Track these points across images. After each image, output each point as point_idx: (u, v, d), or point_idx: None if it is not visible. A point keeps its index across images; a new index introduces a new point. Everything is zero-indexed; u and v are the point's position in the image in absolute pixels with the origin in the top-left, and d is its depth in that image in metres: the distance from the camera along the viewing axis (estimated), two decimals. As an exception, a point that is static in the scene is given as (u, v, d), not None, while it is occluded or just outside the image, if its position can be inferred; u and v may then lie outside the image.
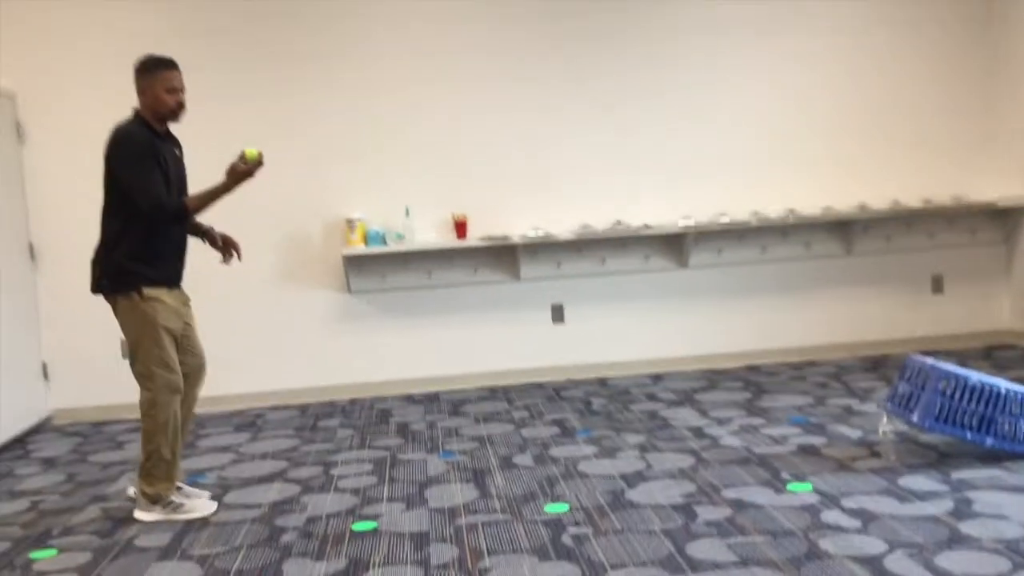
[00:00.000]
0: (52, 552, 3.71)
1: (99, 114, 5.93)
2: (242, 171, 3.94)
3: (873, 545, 3.24)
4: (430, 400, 6.07)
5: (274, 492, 4.30)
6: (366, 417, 5.71)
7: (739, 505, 3.72)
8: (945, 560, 3.08)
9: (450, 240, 6.25)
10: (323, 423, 5.63)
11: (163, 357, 3.95)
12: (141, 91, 3.97)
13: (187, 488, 4.17)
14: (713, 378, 6.17)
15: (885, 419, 4.39)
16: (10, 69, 5.98)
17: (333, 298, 6.30)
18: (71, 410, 6.11)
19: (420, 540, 3.58)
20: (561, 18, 6.33)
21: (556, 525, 3.64)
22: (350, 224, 6.10)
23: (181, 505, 4.02)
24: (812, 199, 6.53)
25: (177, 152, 4.14)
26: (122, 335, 4.03)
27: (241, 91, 6.13)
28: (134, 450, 5.15)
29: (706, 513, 3.66)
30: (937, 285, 6.71)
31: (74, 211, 6.01)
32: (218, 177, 4.00)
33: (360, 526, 3.78)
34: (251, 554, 3.56)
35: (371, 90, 6.24)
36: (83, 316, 6.02)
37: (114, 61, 5.99)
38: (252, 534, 3.77)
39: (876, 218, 6.52)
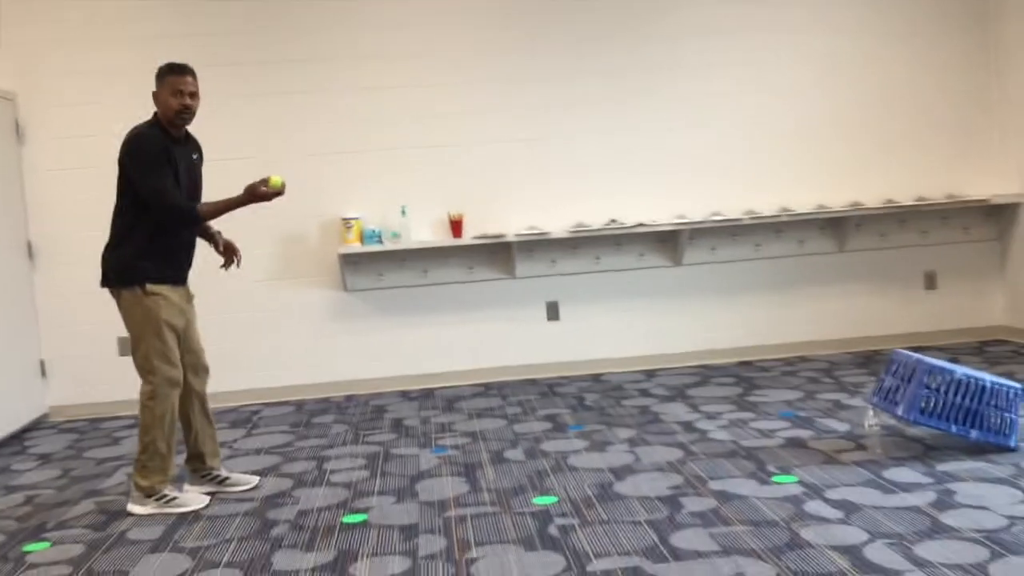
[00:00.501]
0: (46, 544, 3.76)
1: (97, 116, 6.08)
2: (260, 193, 4.06)
3: (854, 535, 3.28)
4: (425, 396, 6.12)
5: (266, 486, 4.35)
6: (361, 413, 5.76)
7: (724, 496, 3.76)
8: (924, 550, 3.11)
9: (446, 238, 6.30)
10: (318, 419, 5.68)
11: (164, 351, 4.03)
12: (155, 96, 4.09)
13: (236, 476, 4.35)
14: (706, 374, 6.21)
15: (871, 413, 4.43)
16: (10, 71, 6.04)
17: (330, 296, 6.35)
18: (68, 407, 6.17)
19: (409, 532, 3.63)
20: (555, 19, 6.39)
21: (543, 516, 3.68)
22: (346, 223, 6.15)
23: (175, 498, 4.09)
24: (805, 197, 6.57)
25: (195, 157, 4.24)
26: (123, 331, 4.12)
27: (238, 92, 6.19)
28: (130, 446, 5.23)
29: (691, 504, 3.70)
30: (930, 282, 6.74)
31: (72, 210, 6.09)
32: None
33: (350, 518, 3.83)
34: (242, 546, 3.60)
35: (367, 90, 6.29)
36: (81, 314, 6.11)
37: (112, 64, 6.10)
38: (243, 527, 3.82)
39: (869, 215, 6.56)
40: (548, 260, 6.47)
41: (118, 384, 6.07)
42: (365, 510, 3.92)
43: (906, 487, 3.73)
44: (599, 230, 6.24)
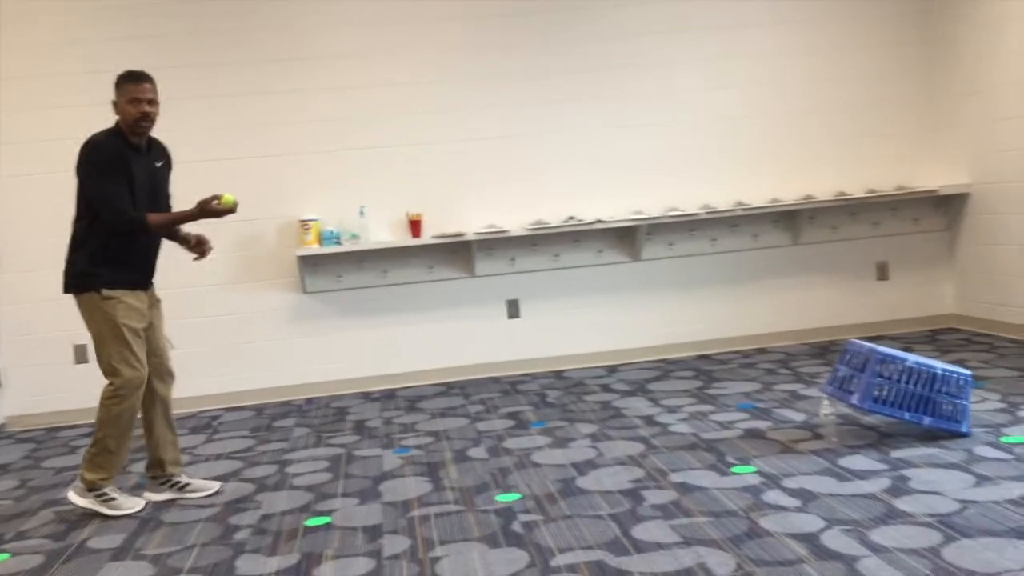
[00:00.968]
0: (5, 556, 3.72)
1: (59, 121, 6.01)
2: (211, 209, 4.11)
3: (811, 523, 3.34)
4: (387, 397, 6.12)
5: (228, 491, 4.33)
6: (322, 416, 5.74)
7: (684, 488, 3.82)
8: (879, 535, 3.18)
9: (405, 239, 6.30)
10: (279, 423, 5.65)
11: (124, 354, 4.03)
12: (114, 105, 4.11)
13: (196, 482, 4.34)
14: (665, 368, 6.27)
15: (826, 402, 4.51)
16: (-45, 75, 5.94)
17: (288, 298, 6.32)
18: (25, 416, 6.09)
19: (372, 532, 3.64)
20: (513, 18, 6.40)
21: (507, 513, 3.71)
22: (304, 224, 6.13)
23: (113, 499, 4.11)
24: (759, 191, 6.66)
25: (158, 164, 4.23)
26: (80, 338, 4.15)
27: (195, 93, 6.13)
28: (88, 454, 5.16)
29: (652, 497, 3.75)
30: (882, 272, 6.86)
31: (32, 216, 6.02)
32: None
33: (314, 521, 3.83)
34: (204, 552, 3.59)
35: (323, 91, 6.27)
36: (38, 322, 6.04)
37: (79, 69, 6.03)
38: (205, 533, 3.80)
39: (821, 208, 6.67)
40: (507, 258, 6.50)
41: (75, 392, 5.99)
42: (328, 512, 3.92)
43: (861, 474, 3.81)
44: (558, 227, 6.27)
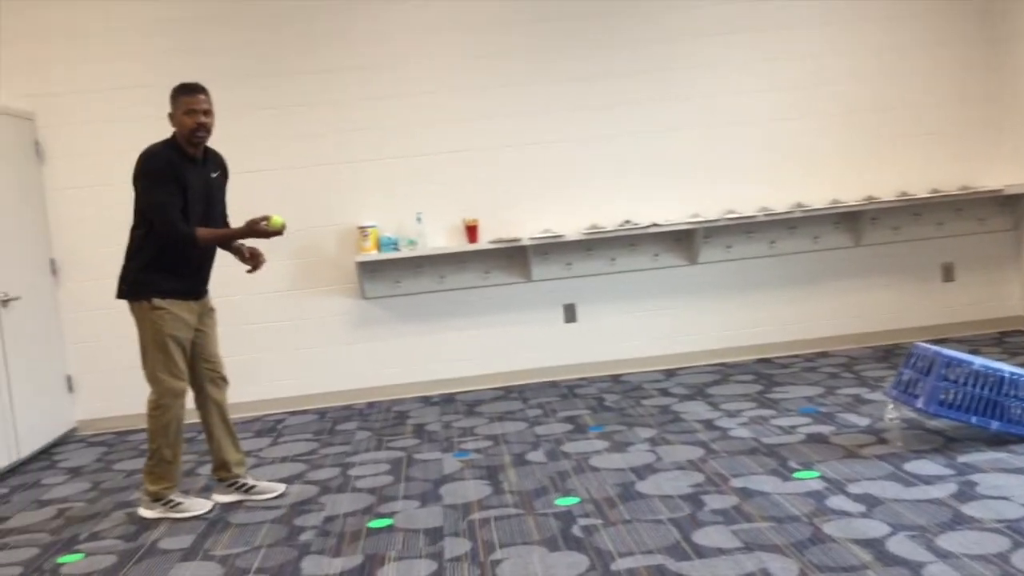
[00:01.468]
0: (79, 556, 3.83)
1: (114, 134, 6.18)
2: (260, 229, 4.16)
3: (876, 528, 3.30)
4: (446, 401, 6.17)
5: (293, 493, 4.41)
6: (383, 419, 5.82)
7: (746, 493, 3.79)
8: (946, 541, 3.14)
9: (461, 244, 6.35)
10: (341, 426, 5.74)
11: (167, 363, 4.14)
12: (170, 117, 4.20)
13: (262, 484, 4.43)
14: (725, 372, 6.23)
15: (891, 406, 4.44)
16: (29, 91, 6.14)
17: (348, 304, 6.41)
18: (95, 420, 6.26)
19: (434, 535, 3.68)
20: (568, 23, 6.42)
21: (566, 517, 3.72)
22: (363, 231, 6.21)
23: (179, 504, 4.22)
24: (819, 192, 6.59)
25: (214, 175, 4.31)
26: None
27: (254, 104, 6.26)
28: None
29: (713, 502, 3.73)
30: (947, 273, 6.74)
31: (93, 227, 6.19)
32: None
33: (376, 523, 3.88)
34: (271, 553, 3.66)
35: (380, 99, 6.35)
36: (104, 329, 6.21)
37: (129, 82, 6.20)
38: (271, 534, 3.88)
39: (884, 209, 6.57)
40: (563, 262, 6.51)
41: (143, 397, 6.10)
42: (390, 515, 3.97)
43: (927, 479, 3.75)
44: (613, 231, 6.27)
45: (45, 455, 5.73)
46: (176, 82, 4.25)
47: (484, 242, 6.28)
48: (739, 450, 4.41)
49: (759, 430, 4.72)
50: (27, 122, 6.06)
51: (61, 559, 3.82)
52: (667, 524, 3.54)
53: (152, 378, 4.18)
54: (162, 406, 4.16)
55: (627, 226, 6.30)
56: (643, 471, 4.23)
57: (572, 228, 6.42)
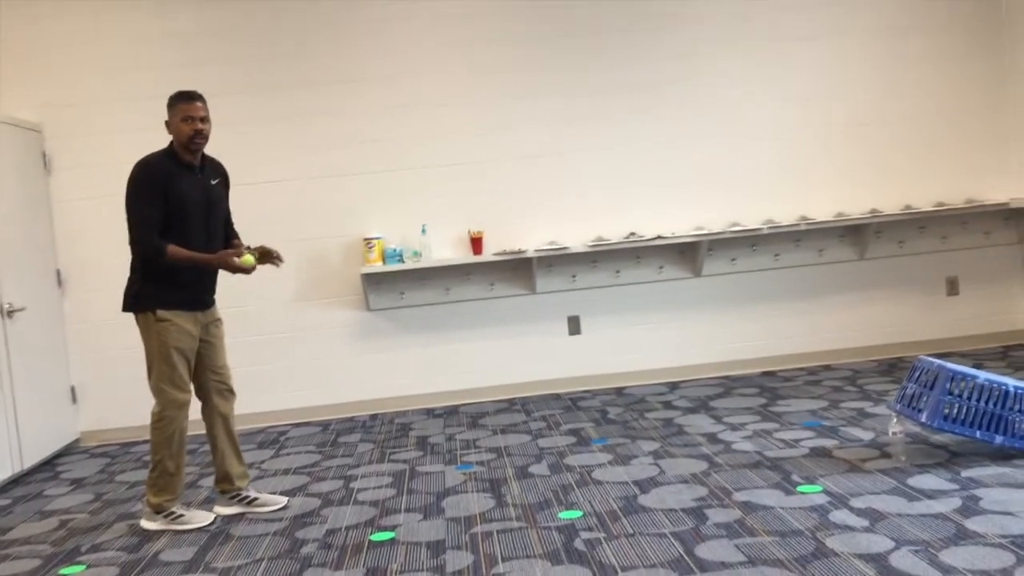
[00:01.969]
0: (81, 568, 3.83)
1: (121, 146, 6.20)
2: (230, 263, 4.15)
3: (880, 543, 3.29)
4: (449, 413, 6.17)
5: (295, 506, 4.41)
6: (386, 432, 5.81)
7: (749, 507, 3.78)
8: (950, 556, 3.12)
9: (466, 256, 6.35)
10: (344, 438, 5.73)
11: (171, 375, 4.14)
12: (167, 125, 4.22)
13: (264, 496, 4.42)
14: (728, 385, 6.22)
15: (895, 420, 4.42)
16: (37, 103, 6.17)
17: (353, 315, 6.42)
18: (99, 432, 6.27)
19: (436, 548, 3.67)
20: (572, 36, 6.44)
21: (569, 531, 3.71)
22: (368, 243, 6.22)
23: (181, 516, 4.22)
24: (824, 206, 6.59)
25: (214, 182, 4.31)
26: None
27: (258, 116, 6.29)
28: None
29: (716, 516, 3.72)
30: (952, 287, 6.72)
31: (98, 238, 6.21)
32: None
33: (378, 536, 3.87)
34: (272, 566, 3.66)
35: (385, 111, 6.37)
36: (109, 340, 6.22)
37: (138, 94, 6.22)
38: (273, 546, 3.88)
39: (888, 222, 6.56)
40: (568, 275, 6.52)
41: (148, 408, 6.12)
42: (393, 528, 3.96)
43: (931, 494, 3.74)
44: (618, 244, 6.27)
45: (48, 466, 5.73)
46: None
47: (489, 254, 6.29)
48: (742, 463, 4.40)
49: (762, 443, 4.71)
50: (34, 133, 6.09)
51: (63, 570, 3.82)
52: (670, 538, 3.53)
53: (156, 390, 4.18)
54: (165, 418, 4.17)
55: (632, 238, 6.31)
56: (646, 484, 4.22)
57: (577, 240, 6.43)
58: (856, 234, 6.63)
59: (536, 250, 6.25)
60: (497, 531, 3.80)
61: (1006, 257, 6.74)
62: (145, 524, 4.25)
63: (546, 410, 5.98)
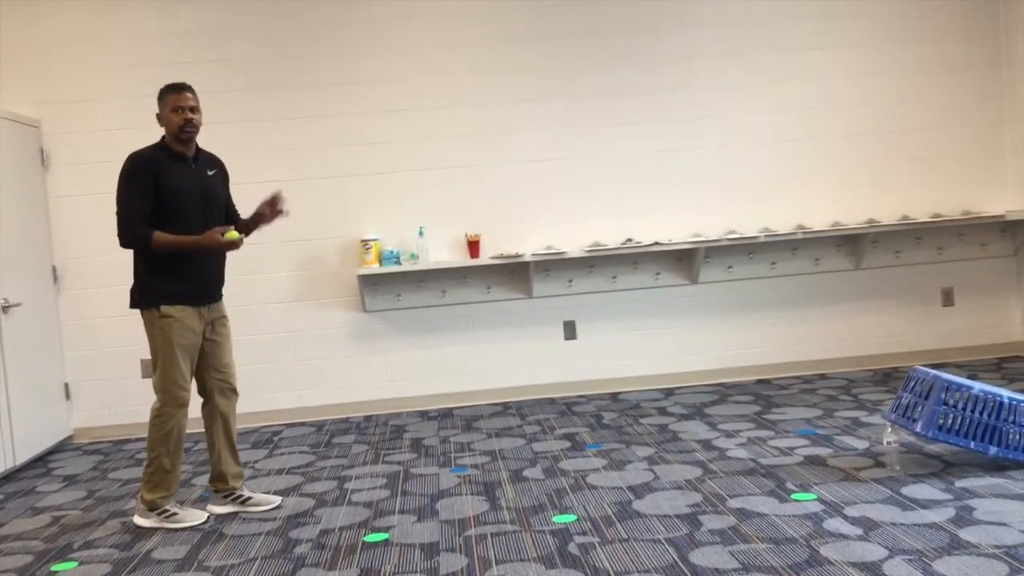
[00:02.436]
0: (73, 564, 3.82)
1: (120, 144, 6.16)
2: (215, 241, 4.11)
3: (873, 552, 3.29)
4: (444, 416, 6.16)
5: (288, 506, 4.40)
6: (380, 433, 5.81)
7: (743, 514, 3.78)
8: (943, 565, 3.12)
9: (463, 259, 6.35)
10: (338, 439, 5.72)
11: (172, 372, 4.13)
12: (158, 117, 4.23)
13: (258, 496, 4.41)
14: (723, 392, 6.22)
15: (889, 430, 4.43)
16: (35, 99, 6.17)
17: (349, 317, 6.41)
18: (92, 429, 6.25)
19: (430, 550, 3.66)
20: (570, 40, 6.46)
21: (563, 535, 3.71)
22: (365, 244, 6.22)
23: (175, 514, 4.21)
24: (821, 215, 6.60)
25: (210, 173, 4.30)
26: (146, 353, 4.27)
27: (257, 116, 6.29)
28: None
29: (710, 522, 3.72)
30: (947, 298, 6.74)
31: (95, 235, 6.19)
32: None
33: (372, 537, 3.87)
34: (265, 565, 3.65)
35: (384, 113, 6.37)
36: (103, 337, 6.21)
37: (137, 92, 6.22)
38: (266, 546, 3.87)
39: (885, 232, 6.58)
40: (565, 279, 6.52)
41: (141, 406, 6.15)
42: (386, 529, 3.96)
43: (925, 504, 3.74)
44: (615, 249, 6.27)
45: (41, 462, 5.71)
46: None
47: (486, 257, 6.29)
48: (737, 471, 4.40)
49: (757, 451, 4.72)
50: (33, 129, 6.08)
51: (55, 567, 3.80)
52: (664, 544, 3.53)
53: (157, 386, 4.17)
54: (164, 414, 4.15)
55: (629, 244, 6.31)
56: (641, 490, 4.22)
57: (574, 245, 6.44)
58: (853, 244, 6.64)
59: (533, 254, 6.25)
60: (491, 534, 3.79)
61: (1001, 269, 6.77)
62: (138, 520, 4.24)
63: (541, 414, 5.98)
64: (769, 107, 6.58)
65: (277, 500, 4.43)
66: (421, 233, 6.30)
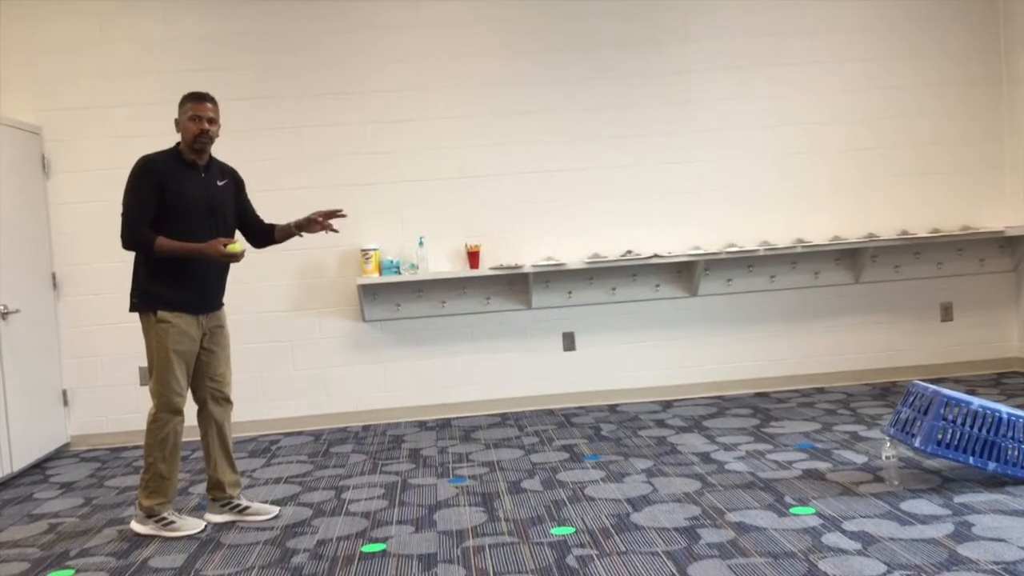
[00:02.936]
0: (69, 572, 3.80)
1: (121, 151, 6.20)
2: (217, 251, 4.11)
3: (872, 567, 3.28)
4: (442, 426, 6.15)
5: (286, 515, 4.39)
6: (379, 443, 5.80)
7: (742, 528, 3.78)
8: (942, 581, 3.12)
9: (463, 269, 6.36)
10: (336, 449, 5.71)
11: (168, 378, 4.13)
12: (176, 123, 4.24)
13: (256, 505, 4.40)
14: (722, 405, 6.22)
15: (888, 444, 4.43)
16: (37, 106, 6.18)
17: (348, 326, 6.41)
18: (90, 436, 6.24)
19: (428, 561, 3.65)
20: (571, 53, 6.48)
21: (561, 547, 3.70)
22: (365, 254, 6.23)
23: (172, 523, 4.20)
24: (820, 229, 6.61)
25: (220, 183, 4.31)
26: (144, 360, 4.23)
27: (260, 124, 6.30)
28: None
29: (709, 536, 3.71)
30: (946, 313, 6.75)
31: (95, 242, 6.20)
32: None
33: (369, 548, 3.86)
34: (262, 575, 3.63)
35: (385, 124, 6.39)
36: (102, 344, 6.20)
37: (139, 99, 6.23)
38: (263, 556, 3.85)
39: (884, 247, 6.59)
40: (564, 291, 6.52)
41: (139, 413, 6.15)
42: (384, 540, 3.95)
43: (924, 519, 3.74)
44: (615, 261, 6.28)
45: (38, 469, 5.70)
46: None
47: (485, 268, 6.30)
48: (735, 484, 4.40)
49: (756, 464, 4.71)
50: (34, 136, 6.08)
51: (51, 574, 3.79)
52: (662, 557, 3.52)
53: (153, 391, 4.17)
54: (159, 420, 4.15)
55: (628, 256, 6.32)
56: (639, 502, 4.22)
57: (574, 256, 6.45)
58: (852, 258, 6.65)
59: (533, 265, 6.26)
60: (489, 545, 3.78)
61: (1000, 284, 6.78)
62: (135, 527, 4.23)
63: (539, 425, 5.97)
64: (769, 121, 6.60)
65: (275, 510, 4.42)
66: (421, 243, 6.30)
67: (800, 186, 6.62)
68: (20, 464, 5.52)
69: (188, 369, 4.22)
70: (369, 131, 6.38)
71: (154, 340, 4.13)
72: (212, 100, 4.21)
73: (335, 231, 4.52)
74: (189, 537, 4.15)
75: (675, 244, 6.53)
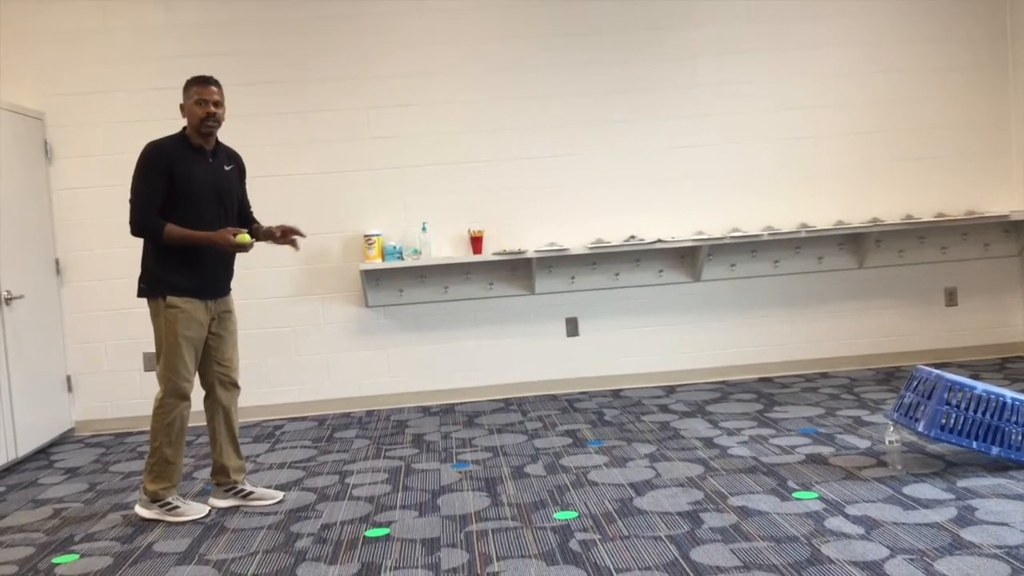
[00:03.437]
0: (74, 557, 3.82)
1: (123, 137, 6.19)
2: (226, 241, 4.10)
3: (875, 551, 3.29)
4: (445, 412, 6.16)
5: (290, 500, 4.40)
6: (382, 428, 5.81)
7: (745, 512, 3.78)
8: (945, 565, 3.12)
9: (466, 255, 6.35)
10: (340, 434, 5.73)
11: (176, 363, 4.13)
12: (182, 108, 4.23)
13: (260, 490, 4.42)
14: (725, 390, 6.22)
15: (892, 429, 4.43)
16: (39, 92, 6.16)
17: (351, 312, 6.41)
18: (94, 421, 6.26)
19: (431, 545, 3.67)
20: (574, 38, 6.45)
21: (564, 531, 3.71)
22: (368, 239, 6.22)
23: (177, 507, 4.21)
24: (824, 213, 6.60)
25: (227, 168, 4.31)
26: (149, 346, 4.24)
27: (261, 111, 6.29)
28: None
29: (712, 520, 3.72)
30: (951, 298, 6.73)
31: (98, 228, 6.20)
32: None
33: (373, 532, 3.87)
34: (267, 559, 3.65)
35: (388, 109, 6.37)
36: (106, 330, 6.21)
37: (141, 85, 6.22)
38: (268, 540, 3.87)
39: (889, 231, 6.57)
40: (567, 276, 6.52)
41: (144, 399, 6.16)
42: (387, 524, 3.96)
43: (927, 503, 3.74)
44: (618, 246, 6.27)
45: (43, 455, 5.72)
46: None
47: (488, 253, 6.29)
48: (738, 468, 4.40)
49: (759, 449, 4.71)
50: (36, 121, 6.08)
51: (56, 559, 3.81)
52: (665, 541, 3.53)
53: (160, 376, 4.18)
54: (166, 404, 4.15)
55: (632, 241, 6.31)
56: (642, 487, 4.22)
57: (577, 242, 6.44)
58: (856, 243, 6.64)
59: (536, 251, 6.25)
60: (492, 530, 3.79)
61: (1005, 269, 6.76)
62: (140, 511, 4.24)
63: (542, 411, 5.98)
64: (773, 105, 6.57)
65: (279, 495, 4.43)
66: (424, 228, 6.30)
67: (804, 171, 6.60)
68: (25, 450, 5.55)
69: (196, 354, 4.22)
70: (372, 116, 6.37)
71: (163, 325, 4.13)
72: (217, 83, 4.20)
73: (296, 248, 4.43)
74: (193, 522, 4.16)
75: (679, 229, 6.52)
